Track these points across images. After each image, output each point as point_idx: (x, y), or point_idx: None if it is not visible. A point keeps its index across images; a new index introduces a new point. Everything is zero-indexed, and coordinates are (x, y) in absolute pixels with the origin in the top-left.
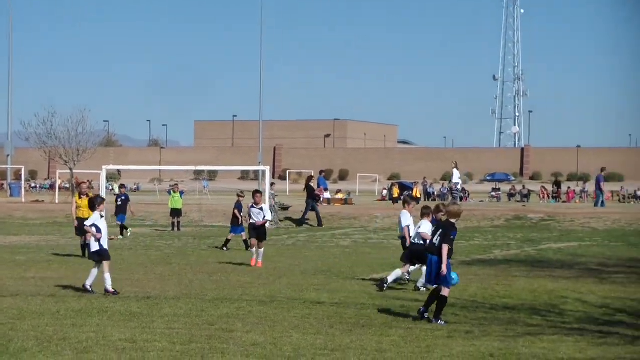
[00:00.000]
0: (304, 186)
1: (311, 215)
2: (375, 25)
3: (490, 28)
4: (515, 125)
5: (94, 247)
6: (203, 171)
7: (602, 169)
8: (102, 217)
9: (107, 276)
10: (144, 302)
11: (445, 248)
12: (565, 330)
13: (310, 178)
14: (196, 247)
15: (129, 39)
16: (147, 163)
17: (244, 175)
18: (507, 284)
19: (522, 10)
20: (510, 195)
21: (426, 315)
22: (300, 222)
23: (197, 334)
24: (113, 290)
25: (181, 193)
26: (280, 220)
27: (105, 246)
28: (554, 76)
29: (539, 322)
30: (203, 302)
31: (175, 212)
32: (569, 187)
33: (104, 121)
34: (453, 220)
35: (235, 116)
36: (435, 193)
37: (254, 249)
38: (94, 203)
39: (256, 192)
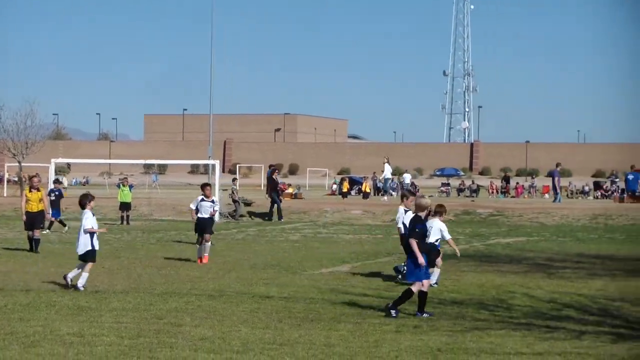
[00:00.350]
0: (267, 180)
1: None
2: (325, 20)
3: (441, 23)
4: (465, 120)
5: (88, 246)
6: (153, 165)
7: (558, 165)
8: (93, 215)
9: (85, 275)
10: (92, 296)
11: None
12: (512, 325)
13: (273, 171)
14: (145, 241)
15: (77, 32)
16: (97, 156)
17: (194, 169)
18: (455, 278)
19: (472, 6)
20: (460, 190)
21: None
22: (269, 217)
23: (146, 328)
24: (81, 287)
25: (130, 187)
26: (242, 216)
27: (97, 247)
28: (504, 72)
29: (486, 317)
30: (151, 296)
31: (125, 206)
32: (517, 183)
33: (53, 114)
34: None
35: (186, 110)
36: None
37: (200, 246)
38: (86, 201)
39: (206, 185)
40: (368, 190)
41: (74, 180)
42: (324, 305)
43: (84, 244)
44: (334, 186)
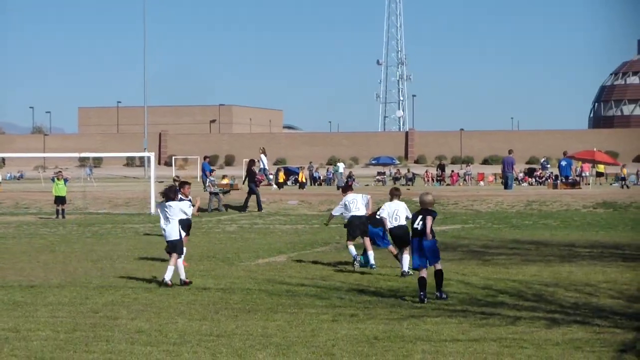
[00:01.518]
0: (245, 171)
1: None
2: (259, 10)
3: (374, 12)
4: (399, 109)
5: (178, 234)
6: (88, 158)
7: (510, 151)
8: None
9: (172, 269)
10: (27, 290)
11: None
12: (448, 312)
13: (252, 162)
14: (81, 234)
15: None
16: (31, 150)
17: (130, 162)
18: (391, 267)
19: None
20: (396, 179)
21: (426, 299)
22: (244, 208)
23: (82, 322)
24: (169, 281)
25: (65, 180)
26: (225, 206)
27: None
28: (437, 60)
29: (422, 305)
30: (87, 290)
31: (60, 200)
32: (452, 171)
33: None
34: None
35: (120, 102)
36: (322, 178)
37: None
38: (173, 192)
39: (185, 184)
40: (304, 180)
41: (8, 175)
42: (261, 296)
43: (175, 232)
44: (270, 177)
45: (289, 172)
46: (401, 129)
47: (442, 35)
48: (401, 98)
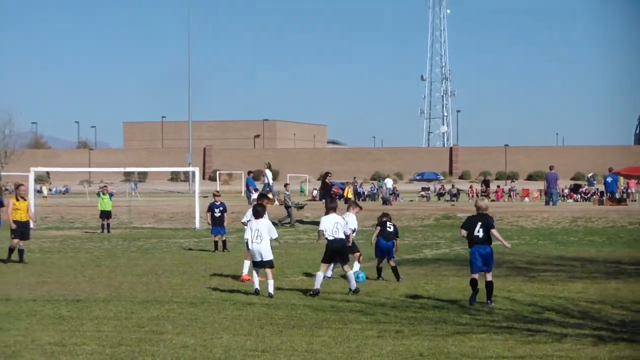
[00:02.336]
0: (320, 184)
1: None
2: (303, 25)
3: (418, 28)
4: (443, 124)
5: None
6: (133, 173)
7: (551, 167)
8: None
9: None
10: (73, 305)
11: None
12: (494, 329)
13: (326, 175)
14: (126, 249)
15: (55, 39)
16: (77, 165)
17: (174, 177)
18: (436, 283)
19: (448, 11)
20: (440, 195)
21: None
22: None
23: (127, 337)
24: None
25: (110, 195)
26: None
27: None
28: (481, 76)
29: (468, 321)
30: (133, 305)
31: (105, 214)
32: (497, 186)
33: (32, 123)
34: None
35: (164, 117)
36: (365, 193)
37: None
38: (263, 208)
39: (264, 197)
40: (350, 196)
41: (53, 189)
42: (305, 311)
43: (269, 251)
44: (314, 192)
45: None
46: (445, 145)
47: (486, 51)
48: (445, 113)
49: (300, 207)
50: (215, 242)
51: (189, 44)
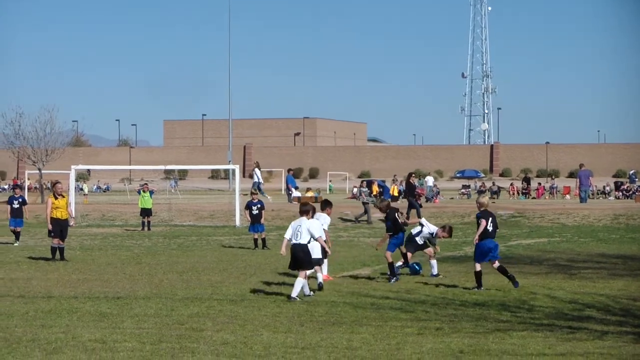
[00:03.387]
0: (405, 183)
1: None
2: (344, 24)
3: (458, 26)
4: (484, 122)
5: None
6: (173, 171)
7: (582, 165)
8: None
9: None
10: (113, 302)
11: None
12: (534, 326)
13: (410, 175)
14: (166, 246)
15: (97, 39)
16: (117, 163)
17: (214, 174)
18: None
19: (490, 8)
20: (480, 192)
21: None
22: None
23: (167, 334)
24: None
25: (151, 193)
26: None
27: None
28: (522, 73)
29: (508, 318)
30: (173, 302)
31: (145, 212)
32: (538, 184)
33: (73, 121)
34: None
35: (205, 115)
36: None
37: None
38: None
39: (327, 203)
40: (396, 194)
41: (94, 187)
42: (346, 309)
43: (318, 250)
44: (355, 189)
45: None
46: (486, 142)
47: (527, 48)
48: (486, 111)
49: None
50: (255, 240)
51: (229, 43)
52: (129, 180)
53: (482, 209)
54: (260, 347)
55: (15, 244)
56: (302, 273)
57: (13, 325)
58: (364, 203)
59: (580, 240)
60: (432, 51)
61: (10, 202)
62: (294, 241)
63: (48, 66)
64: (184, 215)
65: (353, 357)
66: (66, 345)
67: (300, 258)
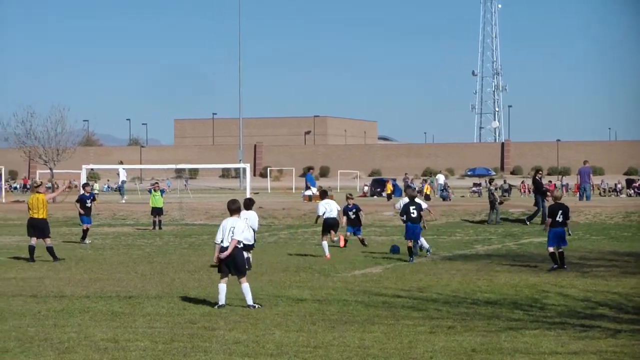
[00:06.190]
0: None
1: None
2: (353, 22)
3: (469, 23)
4: (495, 120)
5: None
6: (184, 170)
7: (585, 162)
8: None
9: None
10: (125, 301)
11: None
12: (547, 324)
13: (537, 172)
14: (177, 245)
15: (107, 38)
16: (128, 162)
17: (225, 173)
18: (488, 278)
19: (500, 5)
20: (506, 190)
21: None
22: (530, 218)
23: (179, 333)
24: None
25: (162, 192)
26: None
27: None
28: (533, 70)
29: (520, 317)
30: (185, 301)
31: (156, 211)
32: (549, 181)
33: (84, 120)
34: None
35: (215, 114)
36: (417, 189)
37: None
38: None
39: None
40: (429, 192)
41: (105, 187)
42: (357, 307)
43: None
44: (365, 188)
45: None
46: (497, 140)
47: (537, 45)
48: (497, 109)
49: (500, 202)
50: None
51: (239, 41)
52: (140, 180)
53: (556, 202)
54: (272, 346)
55: (88, 242)
56: (243, 279)
57: (26, 325)
58: (491, 201)
59: (592, 238)
60: (442, 49)
61: (82, 200)
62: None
63: (59, 65)
64: (195, 214)
65: (365, 355)
66: (79, 344)
67: (234, 262)
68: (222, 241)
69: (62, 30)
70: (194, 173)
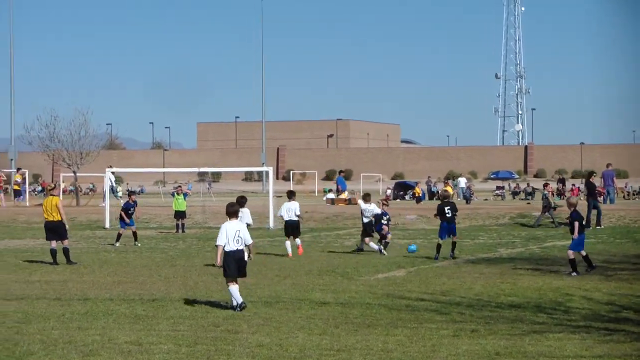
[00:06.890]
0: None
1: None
2: (377, 24)
3: (492, 26)
4: (518, 123)
5: None
6: (207, 173)
7: (609, 165)
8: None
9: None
10: (149, 304)
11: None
12: (571, 328)
13: (590, 174)
14: (200, 248)
15: (131, 42)
16: (151, 165)
17: (248, 177)
18: (512, 282)
19: (523, 8)
20: (515, 193)
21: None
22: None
23: (203, 336)
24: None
25: (185, 195)
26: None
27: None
28: (556, 73)
29: (544, 320)
30: (208, 304)
31: (179, 214)
32: (573, 184)
33: (107, 124)
34: None
35: (238, 117)
36: (439, 192)
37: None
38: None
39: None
40: (451, 192)
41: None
42: (381, 311)
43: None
44: (388, 191)
45: (406, 187)
46: (520, 143)
47: (561, 48)
48: (520, 112)
49: (554, 208)
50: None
51: (261, 45)
52: (163, 183)
53: (572, 209)
54: (295, 349)
55: (138, 244)
56: (232, 281)
57: (50, 328)
58: (544, 206)
59: (616, 242)
60: (465, 52)
61: (127, 208)
62: (233, 248)
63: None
64: (218, 218)
65: (388, 359)
66: (102, 347)
67: (239, 265)
68: (225, 245)
69: (86, 34)
70: (216, 176)
